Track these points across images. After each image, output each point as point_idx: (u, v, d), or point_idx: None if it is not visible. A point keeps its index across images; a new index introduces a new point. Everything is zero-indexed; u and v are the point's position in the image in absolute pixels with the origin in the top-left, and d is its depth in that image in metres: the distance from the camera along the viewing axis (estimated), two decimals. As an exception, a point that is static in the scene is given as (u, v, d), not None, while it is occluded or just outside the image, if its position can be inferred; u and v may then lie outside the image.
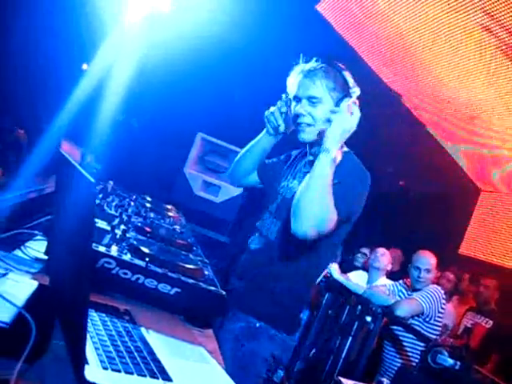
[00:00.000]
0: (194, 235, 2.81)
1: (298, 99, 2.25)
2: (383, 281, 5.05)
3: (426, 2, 4.69)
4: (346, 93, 2.14)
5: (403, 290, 4.67)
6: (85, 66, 6.84)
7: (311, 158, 2.30)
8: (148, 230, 2.31)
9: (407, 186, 7.99)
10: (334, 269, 5.05)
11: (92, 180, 0.99)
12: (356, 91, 2.15)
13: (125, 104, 5.62)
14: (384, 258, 5.16)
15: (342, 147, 2.11)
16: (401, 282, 4.80)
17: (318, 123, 2.20)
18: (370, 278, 5.23)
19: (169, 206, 3.08)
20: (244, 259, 2.38)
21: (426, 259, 4.57)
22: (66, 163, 1.29)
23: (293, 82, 2.28)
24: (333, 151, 2.01)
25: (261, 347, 2.17)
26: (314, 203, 1.97)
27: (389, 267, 5.22)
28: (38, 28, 5.69)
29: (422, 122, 6.95)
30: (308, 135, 2.24)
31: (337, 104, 2.11)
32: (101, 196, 2.67)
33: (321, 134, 2.15)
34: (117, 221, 2.18)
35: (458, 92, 5.73)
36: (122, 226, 2.04)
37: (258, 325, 2.05)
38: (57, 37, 5.64)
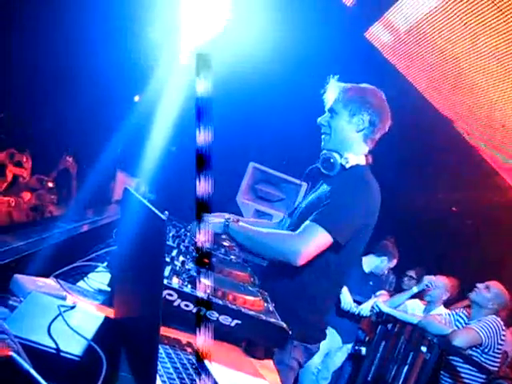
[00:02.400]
0: (249, 265, 2.82)
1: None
2: (440, 310, 4.95)
3: (477, 26, 4.64)
4: (362, 110, 2.45)
5: (460, 320, 4.56)
6: (137, 98, 6.98)
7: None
8: (206, 261, 2.33)
9: (461, 212, 7.83)
10: (379, 303, 4.99)
11: (163, 217, 1.02)
12: (375, 112, 2.46)
13: (176, 134, 5.68)
14: (439, 290, 5.06)
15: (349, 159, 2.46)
16: (460, 310, 4.69)
17: (333, 133, 2.50)
18: (426, 307, 5.13)
19: (223, 236, 3.09)
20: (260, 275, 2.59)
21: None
22: (133, 199, 1.33)
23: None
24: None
25: (285, 356, 2.29)
26: (262, 252, 2.34)
27: (445, 296, 5.11)
28: (89, 57, 5.85)
29: (473, 147, 6.83)
30: (325, 143, 2.55)
31: (351, 117, 2.45)
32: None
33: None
34: (175, 252, 2.21)
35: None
36: (181, 258, 2.06)
37: None
38: (109, 67, 5.79)
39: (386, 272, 5.42)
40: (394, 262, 5.36)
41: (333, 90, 2.55)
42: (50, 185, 4.86)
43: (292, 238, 2.23)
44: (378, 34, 5.54)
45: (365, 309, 5.02)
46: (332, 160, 2.46)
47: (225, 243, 2.97)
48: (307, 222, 2.26)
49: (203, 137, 2.00)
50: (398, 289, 6.03)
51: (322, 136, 2.56)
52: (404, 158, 5.54)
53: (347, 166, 2.44)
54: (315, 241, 2.20)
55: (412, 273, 5.90)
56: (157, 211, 1.08)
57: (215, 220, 2.40)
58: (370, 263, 5.22)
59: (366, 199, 2.34)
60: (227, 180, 6.02)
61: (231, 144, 6.20)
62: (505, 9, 4.09)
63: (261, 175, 5.90)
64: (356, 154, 2.47)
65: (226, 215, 2.48)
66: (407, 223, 6.85)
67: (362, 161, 2.48)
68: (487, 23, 4.46)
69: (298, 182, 5.74)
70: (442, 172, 6.76)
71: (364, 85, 2.55)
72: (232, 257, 2.77)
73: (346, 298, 4.90)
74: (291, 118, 6.02)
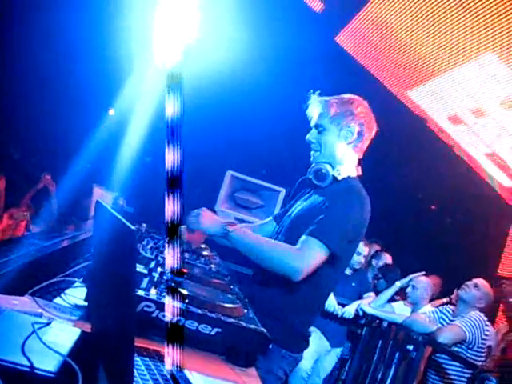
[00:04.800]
0: (229, 273, 2.83)
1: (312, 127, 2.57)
2: (425, 308, 4.95)
3: (447, 27, 4.71)
4: (350, 122, 2.47)
5: (444, 317, 4.57)
6: (111, 112, 6.96)
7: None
8: (184, 271, 2.35)
9: (440, 210, 7.89)
10: (363, 305, 4.99)
11: (132, 228, 1.01)
12: (362, 123, 2.48)
13: (152, 144, 5.65)
14: (420, 290, 5.05)
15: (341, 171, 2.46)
16: (444, 307, 4.71)
17: (324, 148, 2.50)
18: (413, 309, 5.13)
19: (202, 245, 3.09)
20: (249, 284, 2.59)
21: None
22: (104, 211, 1.32)
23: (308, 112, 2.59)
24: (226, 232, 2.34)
25: (274, 366, 2.33)
26: (262, 263, 2.31)
27: (427, 296, 5.10)
28: (63, 72, 5.80)
29: (448, 144, 6.90)
30: (316, 159, 2.54)
31: (339, 131, 2.46)
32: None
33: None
34: (153, 263, 2.21)
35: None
36: (159, 269, 2.05)
37: (270, 346, 2.04)
38: (82, 81, 5.74)
39: (363, 261, 5.39)
40: (365, 248, 5.34)
41: (316, 106, 2.55)
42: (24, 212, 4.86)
43: (293, 255, 2.23)
44: (349, 38, 5.58)
45: (348, 311, 5.02)
46: (324, 171, 2.47)
47: (204, 253, 2.97)
48: (304, 237, 2.27)
49: (175, 147, 1.97)
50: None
51: (312, 152, 2.56)
52: (379, 159, 5.58)
53: (339, 177, 2.47)
54: (315, 257, 2.23)
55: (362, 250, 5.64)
56: (125, 221, 1.07)
57: (208, 221, 2.42)
58: None
59: (359, 211, 2.38)
60: (205, 189, 6.02)
61: (208, 153, 6.19)
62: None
63: (239, 183, 5.94)
64: (347, 165, 2.51)
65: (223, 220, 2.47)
66: (388, 224, 6.88)
67: (353, 172, 2.52)
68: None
69: (277, 188, 5.75)
70: (420, 172, 6.81)
71: (346, 96, 2.57)
72: (212, 266, 2.77)
73: (330, 300, 4.89)
74: (267, 125, 6.03)
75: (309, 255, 2.21)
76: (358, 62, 5.89)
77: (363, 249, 5.32)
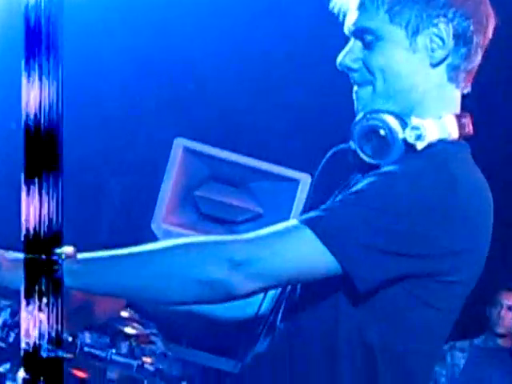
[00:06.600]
0: (185, 373, 2.83)
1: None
2: None
3: None
4: (433, 18, 2.21)
5: None
6: None
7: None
8: (82, 375, 2.44)
9: None
10: None
11: None
12: (461, 12, 2.20)
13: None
14: None
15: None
16: None
17: (380, 79, 2.26)
18: None
19: (124, 313, 2.68)
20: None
21: None
22: None
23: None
24: None
25: None
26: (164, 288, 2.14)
27: None
28: None
29: None
30: (366, 104, 2.30)
31: (412, 37, 2.21)
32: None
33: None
34: (8, 364, 2.32)
35: None
36: (22, 373, 1.78)
37: None
38: None
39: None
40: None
41: None
42: None
43: (237, 241, 2.13)
44: None
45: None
46: (383, 132, 2.20)
47: (128, 331, 2.71)
48: (290, 222, 2.17)
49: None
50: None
51: (355, 88, 2.33)
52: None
53: (419, 145, 2.18)
54: (294, 250, 2.06)
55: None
56: None
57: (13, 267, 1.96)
58: None
59: (435, 199, 2.10)
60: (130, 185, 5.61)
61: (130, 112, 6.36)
62: None
63: (205, 166, 5.43)
64: (436, 114, 2.23)
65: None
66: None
67: (453, 131, 2.22)
68: None
69: (291, 174, 5.35)
70: None
71: None
72: (146, 359, 2.67)
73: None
74: (246, 49, 6.26)
75: (279, 242, 2.06)
76: None
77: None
